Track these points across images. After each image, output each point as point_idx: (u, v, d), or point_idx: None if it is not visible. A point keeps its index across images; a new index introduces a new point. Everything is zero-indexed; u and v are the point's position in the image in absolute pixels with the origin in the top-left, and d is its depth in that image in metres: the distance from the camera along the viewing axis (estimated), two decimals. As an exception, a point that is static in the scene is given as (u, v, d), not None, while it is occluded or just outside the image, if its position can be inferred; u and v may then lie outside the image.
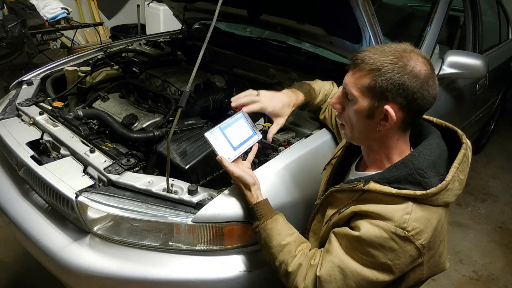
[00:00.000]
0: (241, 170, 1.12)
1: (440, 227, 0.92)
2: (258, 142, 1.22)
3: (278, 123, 1.30)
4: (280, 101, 1.29)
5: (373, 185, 0.92)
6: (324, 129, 1.45)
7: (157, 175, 1.30)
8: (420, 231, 0.87)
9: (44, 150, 1.47)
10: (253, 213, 1.10)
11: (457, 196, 0.93)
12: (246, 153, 1.22)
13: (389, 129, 0.92)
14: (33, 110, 1.59)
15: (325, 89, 1.45)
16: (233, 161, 1.14)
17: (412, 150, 1.00)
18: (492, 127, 3.43)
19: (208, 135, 1.12)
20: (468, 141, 0.98)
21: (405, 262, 0.90)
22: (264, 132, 1.46)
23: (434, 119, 1.05)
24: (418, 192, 0.87)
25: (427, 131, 0.99)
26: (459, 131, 1.01)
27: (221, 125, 1.15)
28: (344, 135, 1.03)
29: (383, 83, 0.87)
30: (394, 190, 0.89)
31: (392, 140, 0.97)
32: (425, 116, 1.03)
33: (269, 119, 1.68)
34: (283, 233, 1.05)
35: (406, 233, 0.87)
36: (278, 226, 1.06)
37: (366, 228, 0.89)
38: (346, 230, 0.95)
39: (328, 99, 1.43)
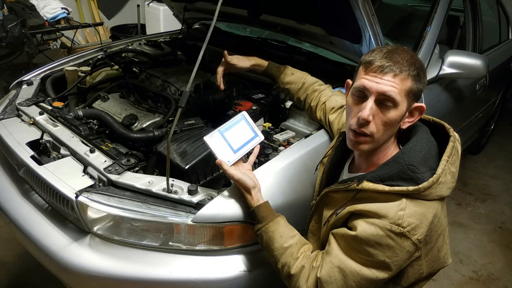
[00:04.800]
0: (241, 173, 1.11)
1: (437, 222, 0.93)
2: (259, 143, 1.22)
3: (232, 65, 1.53)
4: (242, 57, 1.55)
5: (366, 184, 0.92)
6: (323, 129, 1.45)
7: (157, 175, 1.30)
8: (415, 226, 0.88)
9: (44, 150, 1.47)
10: (254, 216, 1.10)
11: (451, 190, 0.93)
12: (248, 155, 1.21)
13: (401, 126, 0.97)
14: (33, 110, 1.59)
15: (307, 79, 1.50)
16: (234, 164, 1.14)
17: (400, 147, 1.02)
18: (492, 127, 3.43)
19: (207, 138, 1.11)
20: (456, 134, 0.99)
21: (402, 258, 0.90)
22: (265, 133, 1.46)
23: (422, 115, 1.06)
24: (411, 188, 0.88)
25: (416, 128, 1.00)
26: (446, 125, 1.01)
27: (220, 128, 1.15)
28: (363, 144, 0.96)
29: (421, 86, 0.92)
30: (387, 188, 0.90)
31: (392, 139, 0.99)
32: None
33: (269, 119, 1.69)
34: (284, 236, 1.05)
35: (402, 229, 0.87)
36: (279, 228, 1.06)
37: (363, 227, 0.90)
38: (343, 230, 0.95)
39: (321, 98, 1.43)
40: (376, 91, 0.90)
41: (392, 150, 1.00)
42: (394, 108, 0.90)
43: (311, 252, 1.05)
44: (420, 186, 0.88)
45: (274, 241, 1.05)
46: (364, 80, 0.92)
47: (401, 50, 0.93)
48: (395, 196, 0.90)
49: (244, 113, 1.21)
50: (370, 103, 0.91)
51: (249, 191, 1.11)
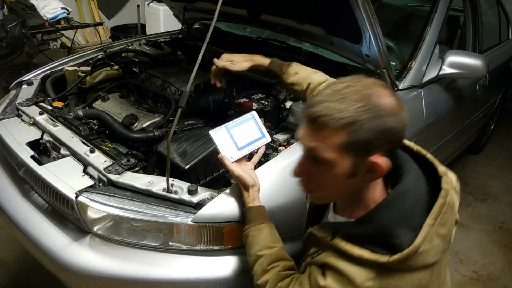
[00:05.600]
0: (242, 170, 1.11)
1: None
2: (265, 144, 1.22)
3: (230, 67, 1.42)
4: (241, 58, 1.43)
5: (338, 242, 0.80)
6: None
7: (157, 175, 1.30)
8: None
9: (44, 150, 1.47)
10: (244, 216, 1.11)
11: (442, 253, 0.78)
12: (252, 154, 1.22)
13: (363, 183, 0.79)
14: (33, 110, 1.59)
15: (313, 80, 1.35)
16: (237, 161, 1.14)
17: (389, 191, 0.85)
18: (492, 127, 3.42)
19: (213, 133, 1.12)
20: (452, 179, 0.82)
21: None
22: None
23: (414, 147, 0.89)
24: (381, 260, 0.73)
25: (405, 168, 0.82)
26: (440, 168, 0.82)
27: (227, 124, 1.15)
28: (314, 199, 0.89)
29: (364, 136, 0.71)
30: (356, 253, 0.76)
31: (369, 186, 0.82)
32: (405, 142, 0.88)
33: (269, 119, 1.69)
34: (261, 244, 1.03)
35: None
36: (260, 235, 1.05)
37: (330, 283, 0.79)
38: (316, 273, 0.84)
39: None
40: (305, 145, 0.78)
41: (376, 196, 0.82)
42: (327, 167, 0.76)
43: (286, 270, 0.98)
44: (391, 259, 0.72)
45: (251, 246, 1.04)
46: (299, 129, 0.78)
47: (351, 92, 0.72)
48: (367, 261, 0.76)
49: (254, 112, 1.21)
50: (302, 159, 0.80)
51: (247, 189, 1.11)
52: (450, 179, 0.80)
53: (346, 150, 0.73)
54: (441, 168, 0.82)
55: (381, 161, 0.74)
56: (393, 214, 0.76)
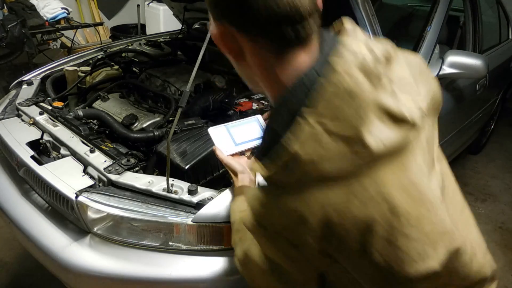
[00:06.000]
0: (232, 159, 1.10)
1: (343, 217, 0.54)
2: None
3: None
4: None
5: (252, 162, 0.64)
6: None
7: (157, 175, 1.30)
8: (286, 225, 0.58)
9: (44, 150, 1.47)
10: None
11: (362, 162, 0.53)
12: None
13: (253, 59, 0.60)
14: (33, 110, 1.59)
15: None
16: (234, 156, 1.13)
17: None
18: (492, 127, 3.42)
19: (211, 130, 1.13)
20: (362, 52, 0.56)
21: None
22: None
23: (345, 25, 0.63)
24: (263, 173, 0.57)
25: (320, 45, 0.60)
26: (346, 40, 0.58)
27: (228, 124, 1.16)
28: None
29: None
30: (252, 166, 0.61)
31: (271, 68, 0.60)
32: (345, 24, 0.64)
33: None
34: (235, 211, 0.99)
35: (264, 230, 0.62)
36: (233, 206, 1.02)
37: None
38: None
39: None
40: None
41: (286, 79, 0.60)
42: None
43: None
44: (269, 173, 0.56)
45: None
46: None
47: None
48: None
49: (259, 116, 1.21)
50: None
51: (236, 175, 1.10)
52: (358, 51, 0.56)
53: (213, 10, 0.60)
54: (347, 40, 0.57)
55: (216, 31, 0.59)
56: (283, 115, 0.56)
